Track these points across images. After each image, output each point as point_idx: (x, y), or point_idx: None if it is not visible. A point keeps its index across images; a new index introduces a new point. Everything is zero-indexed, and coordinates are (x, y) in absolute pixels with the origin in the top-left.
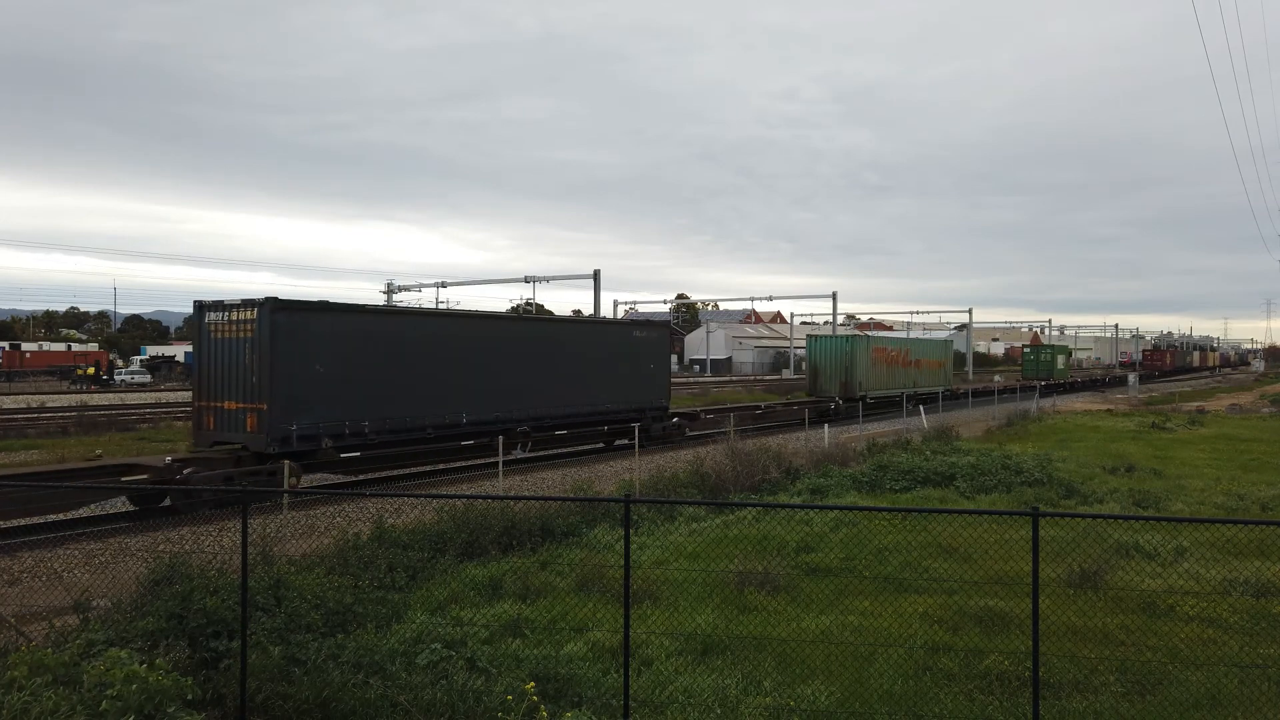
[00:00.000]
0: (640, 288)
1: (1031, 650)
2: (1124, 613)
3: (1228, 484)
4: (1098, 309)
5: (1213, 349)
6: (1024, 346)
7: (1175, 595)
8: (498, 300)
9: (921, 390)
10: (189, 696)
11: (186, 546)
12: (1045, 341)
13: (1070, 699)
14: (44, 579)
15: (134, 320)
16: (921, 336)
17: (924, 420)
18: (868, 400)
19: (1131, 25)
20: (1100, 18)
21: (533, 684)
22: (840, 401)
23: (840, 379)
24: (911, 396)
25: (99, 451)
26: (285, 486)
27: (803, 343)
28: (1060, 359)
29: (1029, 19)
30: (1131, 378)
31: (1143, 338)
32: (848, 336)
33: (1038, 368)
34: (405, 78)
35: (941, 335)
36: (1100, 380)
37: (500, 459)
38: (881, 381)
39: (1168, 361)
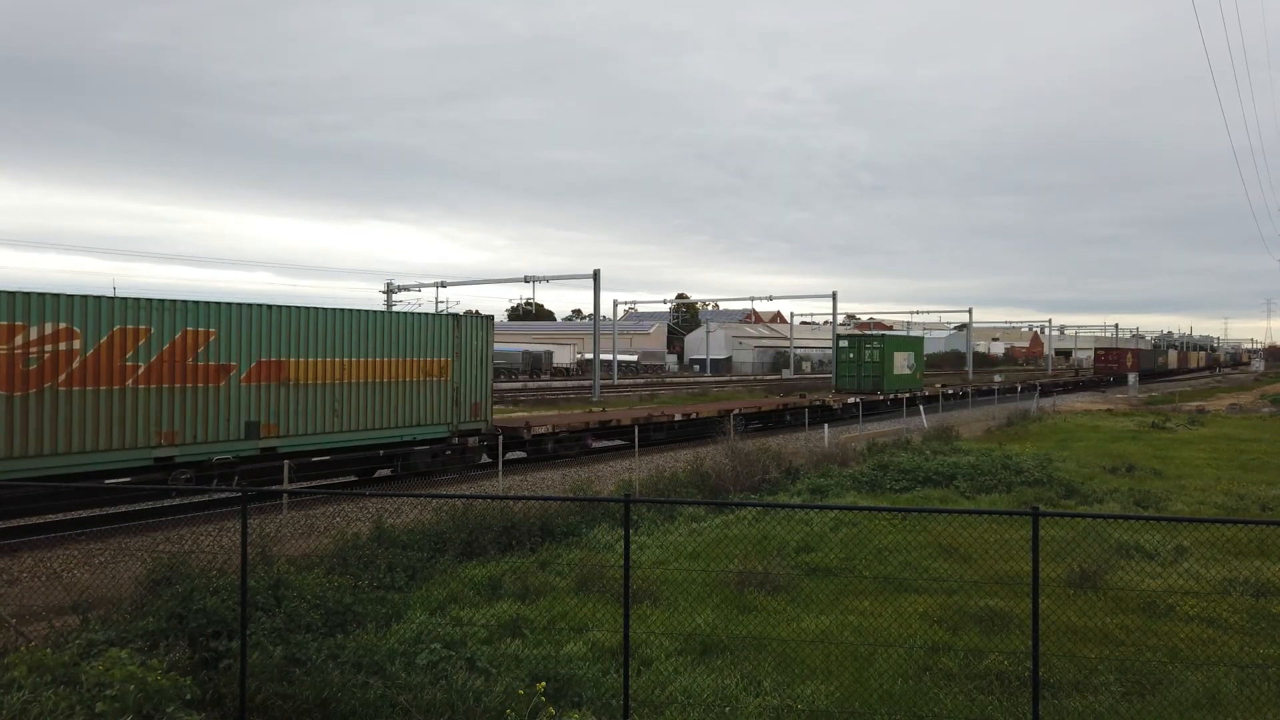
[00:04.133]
0: (639, 287)
1: (1031, 650)
2: (1124, 613)
3: (1228, 484)
4: (1098, 309)
5: (1212, 348)
6: (838, 338)
7: (1175, 595)
8: (497, 299)
9: (322, 443)
10: (188, 696)
11: (186, 546)
12: (1044, 342)
13: (1070, 699)
14: (43, 579)
15: None
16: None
17: (924, 420)
18: None
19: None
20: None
21: (543, 684)
22: None
23: None
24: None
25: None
26: (285, 485)
27: (804, 343)
28: (902, 358)
29: (1023, 19)
30: (1132, 378)
31: (1143, 337)
32: None
33: (858, 374)
34: (400, 79)
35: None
36: (1030, 388)
37: (500, 458)
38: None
39: (1128, 364)
